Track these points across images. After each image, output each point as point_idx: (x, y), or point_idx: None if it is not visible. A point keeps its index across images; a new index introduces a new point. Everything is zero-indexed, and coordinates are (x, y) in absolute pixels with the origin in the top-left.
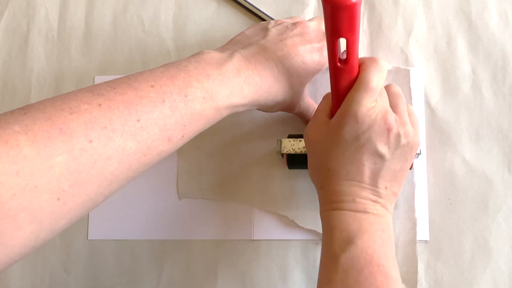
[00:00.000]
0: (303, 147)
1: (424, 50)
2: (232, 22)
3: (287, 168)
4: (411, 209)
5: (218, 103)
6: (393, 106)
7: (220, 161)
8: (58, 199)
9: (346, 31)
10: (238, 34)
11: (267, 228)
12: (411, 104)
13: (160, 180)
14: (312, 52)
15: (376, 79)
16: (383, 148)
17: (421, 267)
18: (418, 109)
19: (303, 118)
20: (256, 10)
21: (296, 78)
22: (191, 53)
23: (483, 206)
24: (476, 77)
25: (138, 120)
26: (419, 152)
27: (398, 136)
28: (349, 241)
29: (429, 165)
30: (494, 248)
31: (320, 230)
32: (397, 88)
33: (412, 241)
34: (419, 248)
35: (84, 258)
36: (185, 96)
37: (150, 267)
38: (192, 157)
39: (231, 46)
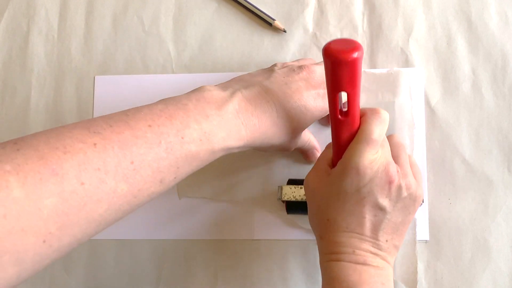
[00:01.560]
0: (304, 195)
1: (424, 51)
2: (232, 22)
3: (287, 213)
4: None
5: (214, 145)
6: (395, 157)
7: (220, 160)
8: (44, 242)
9: (347, 85)
10: (245, 74)
11: (267, 228)
12: (412, 106)
13: None
14: (316, 98)
15: (378, 130)
16: (384, 201)
17: (421, 267)
18: (418, 109)
19: (300, 151)
20: (256, 10)
21: (296, 123)
22: (191, 54)
23: (483, 206)
24: (476, 77)
25: (132, 162)
26: (422, 201)
27: (399, 188)
28: None
29: (429, 165)
30: (494, 248)
31: None
32: (398, 138)
33: (412, 241)
34: (419, 248)
35: (84, 258)
36: (182, 138)
37: (150, 267)
38: None
39: (234, 83)
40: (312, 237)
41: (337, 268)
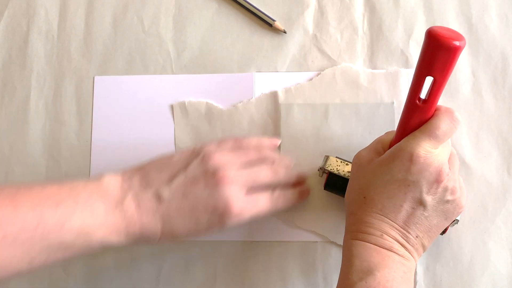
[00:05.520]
0: (347, 172)
1: None
2: (232, 23)
3: (323, 188)
4: None
5: (91, 240)
6: (449, 163)
7: None
8: None
9: (439, 71)
10: (162, 159)
11: (266, 229)
12: None
13: None
14: (212, 215)
15: (445, 128)
16: (427, 197)
17: (420, 270)
18: None
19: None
20: (257, 11)
21: (185, 233)
22: (190, 55)
23: (482, 209)
24: (476, 79)
25: (4, 237)
26: (457, 220)
27: (445, 189)
28: (368, 272)
29: None
30: (493, 251)
31: (319, 231)
32: (454, 150)
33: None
34: None
35: (83, 258)
36: (61, 227)
37: (150, 267)
38: None
39: (136, 180)
40: (311, 238)
41: (361, 247)
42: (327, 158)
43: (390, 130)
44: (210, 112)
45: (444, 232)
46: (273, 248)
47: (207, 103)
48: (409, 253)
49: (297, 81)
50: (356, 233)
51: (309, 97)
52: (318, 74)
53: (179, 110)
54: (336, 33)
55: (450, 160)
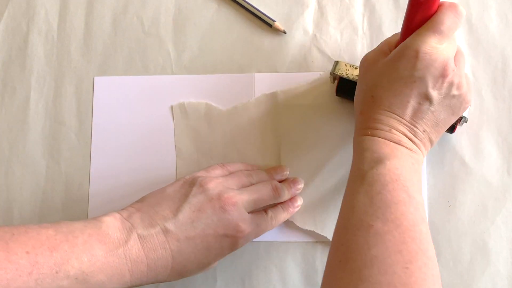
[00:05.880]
0: (356, 75)
1: None
2: (232, 23)
3: (335, 94)
4: None
5: (91, 286)
6: (455, 59)
7: (219, 162)
8: None
9: None
10: (159, 194)
11: None
12: None
13: (159, 180)
14: (223, 239)
15: (449, 23)
16: (433, 92)
17: None
18: None
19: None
20: (256, 11)
21: (196, 265)
22: (190, 55)
23: (482, 209)
24: (476, 79)
25: None
26: (466, 118)
27: (451, 84)
28: (378, 161)
29: (428, 167)
30: (493, 251)
31: (319, 231)
32: (461, 48)
33: None
34: None
35: None
36: (57, 272)
37: None
38: (191, 157)
39: (138, 217)
40: (311, 238)
41: (371, 141)
42: (336, 63)
43: None
44: (209, 113)
45: (453, 130)
46: (273, 248)
47: (206, 104)
48: (417, 146)
49: (297, 82)
50: (365, 129)
51: (309, 97)
52: (318, 75)
53: (179, 111)
54: (336, 33)
55: (456, 56)
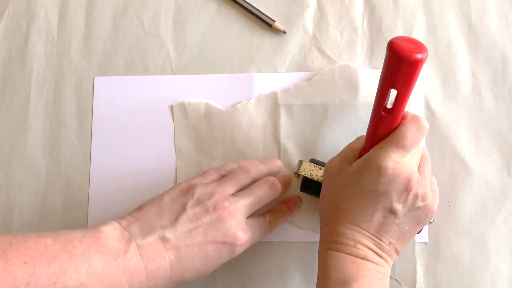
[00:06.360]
0: (321, 176)
1: None
2: (232, 23)
3: (300, 190)
4: None
5: None
6: (419, 167)
7: (219, 162)
8: None
9: (401, 84)
10: (157, 203)
11: None
12: (410, 106)
13: (159, 181)
14: (221, 248)
15: (412, 137)
16: (397, 206)
17: (420, 269)
18: (418, 111)
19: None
20: (256, 11)
21: (195, 274)
22: (190, 55)
23: (482, 209)
24: (476, 79)
25: None
26: (432, 220)
27: (416, 197)
28: (344, 283)
29: None
30: (493, 251)
31: (319, 231)
32: (426, 153)
33: (411, 241)
34: (418, 250)
35: None
36: (54, 283)
37: None
38: (191, 157)
39: (137, 226)
40: (311, 239)
41: (336, 258)
42: (300, 162)
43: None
44: (209, 113)
45: (419, 232)
46: (273, 248)
47: (206, 103)
48: (383, 259)
49: (297, 82)
50: (330, 243)
51: (309, 97)
52: (317, 74)
53: (179, 110)
54: (336, 33)
55: (421, 164)
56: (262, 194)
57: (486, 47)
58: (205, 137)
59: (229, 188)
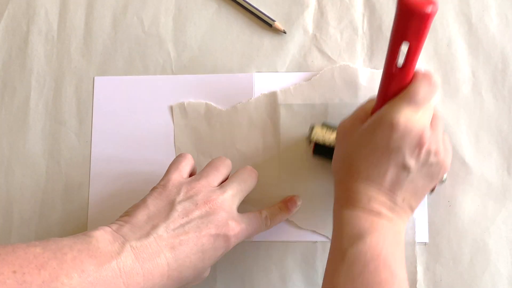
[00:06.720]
0: (333, 140)
1: (424, 52)
2: (232, 23)
3: (312, 155)
4: None
5: None
6: (431, 125)
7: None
8: None
9: (413, 37)
10: (143, 206)
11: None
12: None
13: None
14: (216, 240)
15: (424, 93)
16: (410, 161)
17: (420, 269)
18: None
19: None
20: (256, 11)
21: (191, 270)
22: (190, 55)
23: (483, 209)
24: (476, 79)
25: None
26: (444, 178)
27: (428, 153)
28: (358, 237)
29: None
30: (493, 251)
31: (319, 231)
32: (438, 111)
33: (411, 240)
34: (418, 250)
35: None
36: None
37: None
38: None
39: (129, 228)
40: (311, 238)
41: (349, 214)
42: (312, 127)
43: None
44: (209, 113)
45: (432, 191)
46: (273, 248)
47: (206, 103)
48: (398, 215)
49: (297, 81)
50: (345, 201)
51: (308, 97)
52: (317, 74)
53: (178, 111)
54: (336, 33)
55: (433, 121)
56: (245, 178)
57: (486, 47)
58: (205, 137)
59: (213, 180)
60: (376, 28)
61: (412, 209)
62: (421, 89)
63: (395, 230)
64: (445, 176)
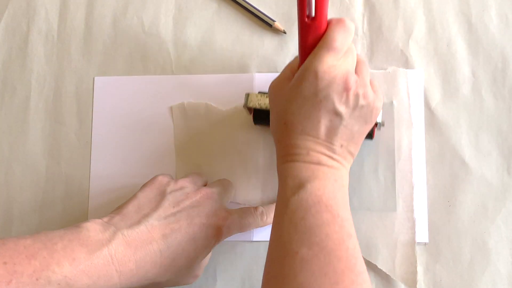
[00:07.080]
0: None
1: (424, 52)
2: (232, 23)
3: (253, 124)
4: (409, 209)
5: None
6: (356, 71)
7: (218, 162)
8: None
9: None
10: (132, 199)
11: (266, 230)
12: (410, 105)
13: None
14: (208, 228)
15: (341, 39)
16: (340, 107)
17: (420, 270)
18: (418, 111)
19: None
20: (256, 11)
21: (184, 259)
22: (190, 55)
23: (482, 209)
24: (476, 79)
25: None
26: (381, 122)
27: (357, 96)
28: (300, 186)
29: (428, 167)
30: (493, 251)
31: None
32: (361, 56)
33: (411, 241)
34: (418, 250)
35: None
36: (37, 279)
37: None
38: (191, 158)
39: (120, 219)
40: None
41: (291, 167)
42: (247, 95)
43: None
44: (209, 113)
45: (372, 136)
46: None
47: (206, 104)
48: (338, 162)
49: None
50: (285, 157)
51: None
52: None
53: (178, 111)
54: None
55: (358, 66)
56: (225, 184)
57: (486, 47)
58: (205, 137)
59: (197, 180)
60: (376, 28)
61: (352, 154)
62: (336, 35)
63: (337, 176)
64: (380, 119)
